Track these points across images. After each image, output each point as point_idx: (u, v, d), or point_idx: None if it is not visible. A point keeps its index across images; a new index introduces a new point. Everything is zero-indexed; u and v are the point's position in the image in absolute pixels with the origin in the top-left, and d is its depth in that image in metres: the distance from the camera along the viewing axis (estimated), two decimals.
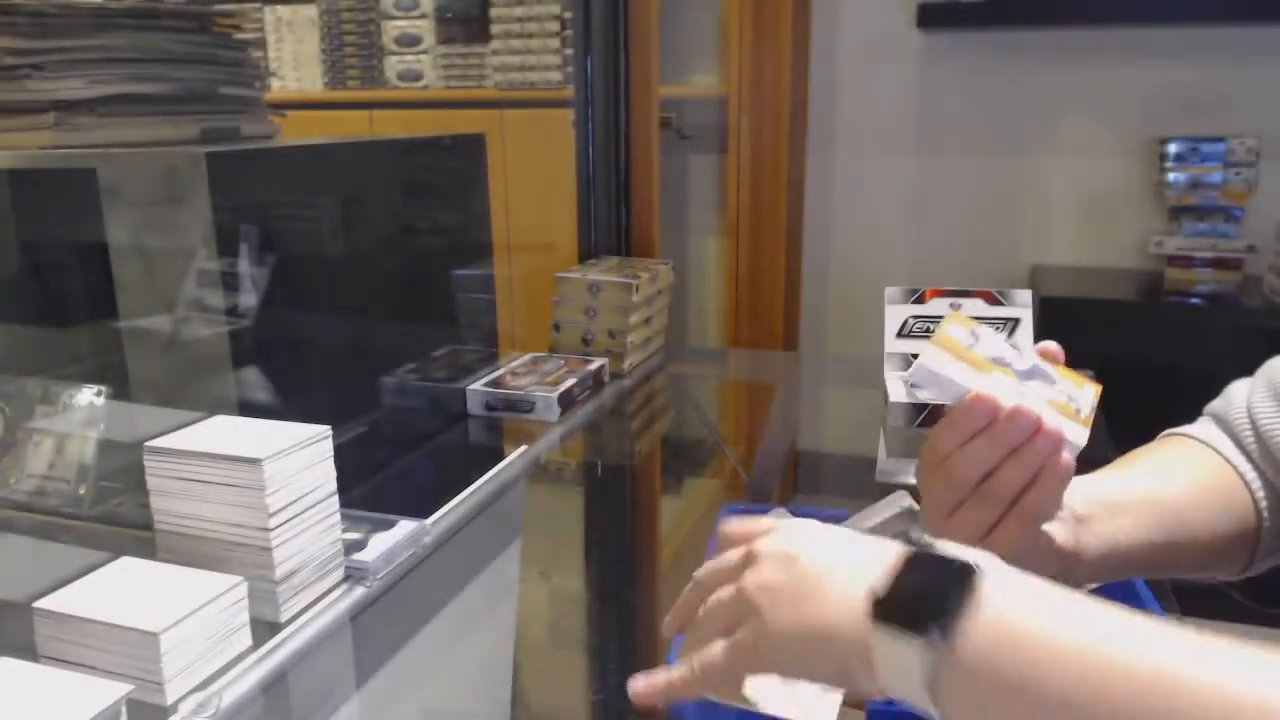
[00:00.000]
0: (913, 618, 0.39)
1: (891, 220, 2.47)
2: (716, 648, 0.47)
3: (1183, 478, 0.67)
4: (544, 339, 1.44)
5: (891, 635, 0.40)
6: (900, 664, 0.40)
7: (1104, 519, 0.63)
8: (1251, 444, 0.67)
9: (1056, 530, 0.59)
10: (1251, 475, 0.66)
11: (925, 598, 0.40)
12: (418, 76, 2.79)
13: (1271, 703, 0.33)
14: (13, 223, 1.01)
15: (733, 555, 0.50)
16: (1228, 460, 0.67)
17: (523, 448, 1.08)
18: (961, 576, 0.40)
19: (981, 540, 0.55)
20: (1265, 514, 0.65)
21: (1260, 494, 0.65)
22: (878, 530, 1.08)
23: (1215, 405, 0.72)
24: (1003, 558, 0.51)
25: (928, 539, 0.44)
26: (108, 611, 0.62)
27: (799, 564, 0.46)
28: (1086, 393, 0.64)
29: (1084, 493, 0.62)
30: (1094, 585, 0.65)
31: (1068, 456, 0.55)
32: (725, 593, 0.49)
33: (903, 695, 0.41)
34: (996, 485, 0.55)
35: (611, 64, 1.62)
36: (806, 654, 0.44)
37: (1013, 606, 0.39)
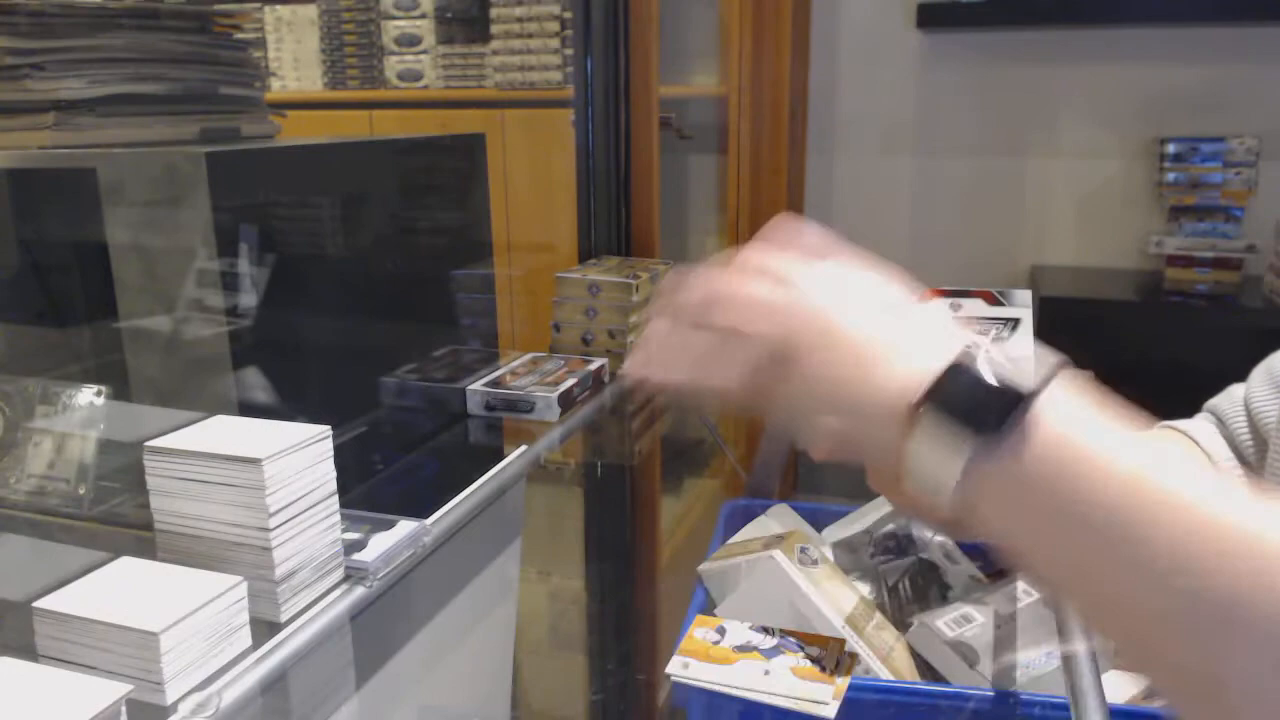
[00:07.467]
0: (972, 410, 0.36)
1: (891, 220, 2.47)
2: (735, 357, 0.42)
3: None
4: (544, 339, 1.44)
5: (940, 424, 0.36)
6: (939, 457, 0.37)
7: None
8: (1246, 439, 0.66)
9: None
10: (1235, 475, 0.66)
11: (991, 391, 0.36)
12: (418, 77, 2.79)
13: None
14: (12, 223, 1.01)
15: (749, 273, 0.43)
16: (1211, 459, 0.66)
17: (522, 448, 1.08)
18: (1032, 381, 0.36)
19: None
20: None
21: None
22: (874, 528, 1.09)
23: (1215, 400, 0.72)
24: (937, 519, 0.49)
25: (927, 535, 0.44)
26: (107, 611, 0.62)
27: (836, 324, 0.41)
28: (832, 650, 0.75)
29: None
30: None
31: None
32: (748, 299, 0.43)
33: (926, 489, 0.38)
34: None
35: (611, 64, 1.62)
36: (831, 413, 0.40)
37: (1076, 421, 0.36)
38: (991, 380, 0.37)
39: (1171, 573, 0.33)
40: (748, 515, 1.17)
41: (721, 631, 0.78)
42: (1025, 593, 0.96)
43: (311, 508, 0.73)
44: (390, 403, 1.22)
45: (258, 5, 2.84)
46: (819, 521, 1.16)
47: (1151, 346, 1.99)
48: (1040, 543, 0.36)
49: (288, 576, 0.71)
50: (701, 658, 0.75)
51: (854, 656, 0.77)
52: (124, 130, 1.02)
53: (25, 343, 1.02)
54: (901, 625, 0.95)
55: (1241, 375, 0.72)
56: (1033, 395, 0.36)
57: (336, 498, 0.76)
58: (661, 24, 1.69)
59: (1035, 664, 0.87)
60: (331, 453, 0.74)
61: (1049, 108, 2.29)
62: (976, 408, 0.36)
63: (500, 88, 2.66)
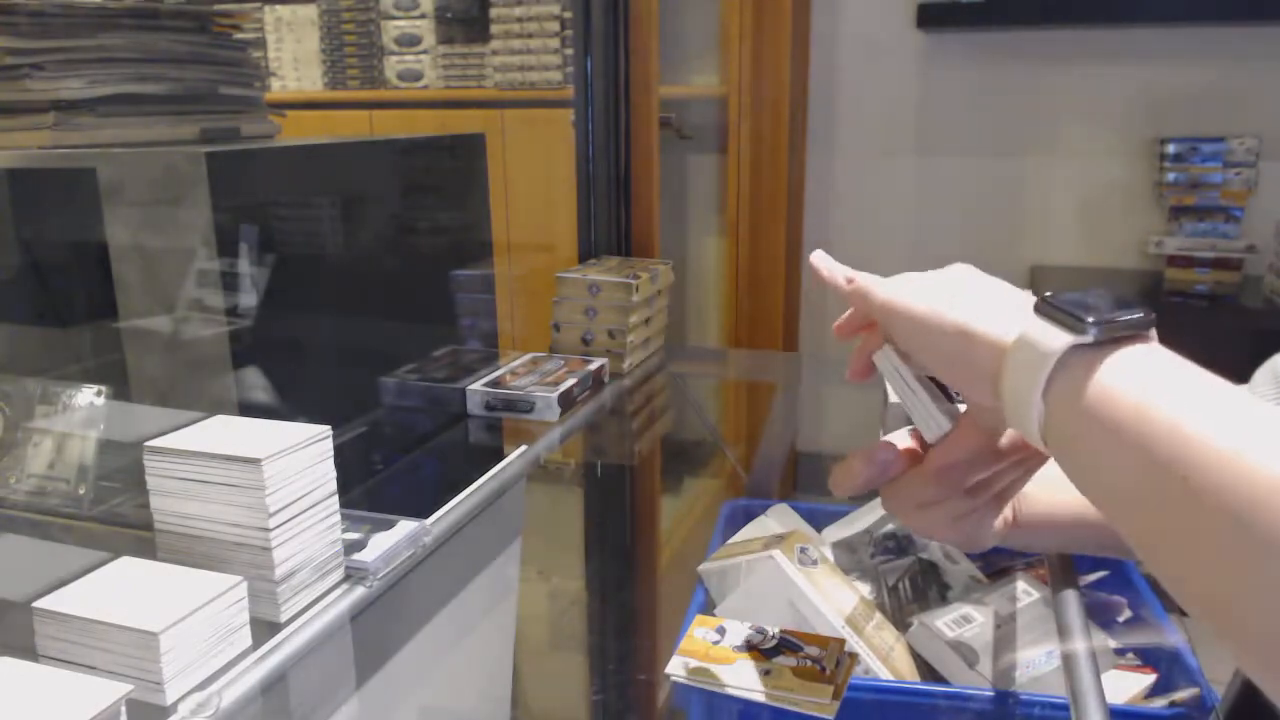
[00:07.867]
0: (1074, 314, 0.42)
1: (891, 220, 2.47)
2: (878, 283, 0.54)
3: None
4: (544, 339, 1.44)
5: (1043, 324, 0.43)
6: (1032, 356, 0.42)
7: (1038, 495, 0.63)
8: None
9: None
10: None
11: (1095, 308, 0.42)
12: (418, 76, 2.79)
13: None
14: (13, 222, 1.01)
15: None
16: None
17: (523, 448, 1.08)
18: (1140, 312, 0.43)
19: (951, 526, 0.56)
20: None
21: None
22: (874, 528, 1.09)
23: None
24: (958, 536, 0.56)
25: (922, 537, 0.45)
26: (108, 611, 0.62)
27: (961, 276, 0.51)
28: (832, 650, 0.76)
29: None
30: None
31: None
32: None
33: (1011, 395, 0.44)
34: (988, 486, 0.55)
35: (611, 64, 1.62)
36: (941, 343, 0.48)
37: (1159, 357, 0.41)
38: (1089, 300, 0.43)
39: (1204, 508, 0.35)
40: (748, 515, 1.17)
41: (721, 631, 0.78)
42: (1025, 593, 0.96)
43: (311, 508, 0.73)
44: (390, 403, 1.22)
45: (258, 5, 2.85)
46: (819, 521, 1.16)
47: None
48: (1094, 465, 0.41)
49: (288, 576, 0.71)
50: (701, 658, 0.75)
51: (854, 656, 0.77)
52: (124, 130, 1.02)
53: (25, 343, 1.02)
54: (901, 625, 0.95)
55: (1243, 376, 0.71)
56: (1123, 319, 0.42)
57: (336, 498, 0.76)
58: (661, 24, 1.69)
59: (1035, 664, 0.87)
60: (331, 453, 0.74)
61: (1049, 108, 2.29)
62: (1076, 308, 0.42)
63: (500, 88, 2.66)
